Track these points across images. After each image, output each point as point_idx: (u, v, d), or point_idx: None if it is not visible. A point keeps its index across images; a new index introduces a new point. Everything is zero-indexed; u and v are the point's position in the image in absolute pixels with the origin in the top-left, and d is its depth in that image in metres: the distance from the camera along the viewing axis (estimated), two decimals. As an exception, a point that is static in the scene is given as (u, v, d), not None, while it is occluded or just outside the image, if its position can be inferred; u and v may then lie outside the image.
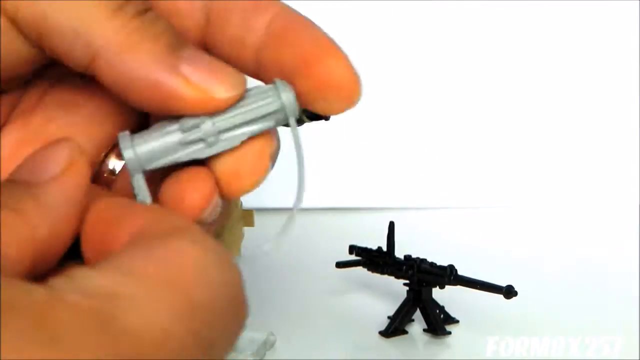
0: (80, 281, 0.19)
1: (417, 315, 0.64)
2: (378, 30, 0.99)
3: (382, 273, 0.68)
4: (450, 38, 0.99)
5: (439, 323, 0.63)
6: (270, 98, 0.26)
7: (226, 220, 0.28)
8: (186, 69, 0.24)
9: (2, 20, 0.25)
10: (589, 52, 0.99)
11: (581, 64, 1.00)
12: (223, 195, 0.26)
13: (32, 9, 0.24)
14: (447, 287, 0.63)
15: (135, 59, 0.24)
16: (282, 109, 0.26)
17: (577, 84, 1.00)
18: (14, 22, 0.25)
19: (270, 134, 0.27)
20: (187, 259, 0.20)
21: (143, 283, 0.19)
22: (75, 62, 0.25)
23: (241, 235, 0.61)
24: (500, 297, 0.59)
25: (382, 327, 0.64)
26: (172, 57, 0.24)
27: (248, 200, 0.61)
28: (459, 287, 0.62)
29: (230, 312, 0.20)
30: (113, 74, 0.24)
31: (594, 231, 0.91)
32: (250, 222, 0.61)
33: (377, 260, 0.68)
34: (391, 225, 0.68)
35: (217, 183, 0.26)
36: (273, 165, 0.27)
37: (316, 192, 0.95)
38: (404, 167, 1.00)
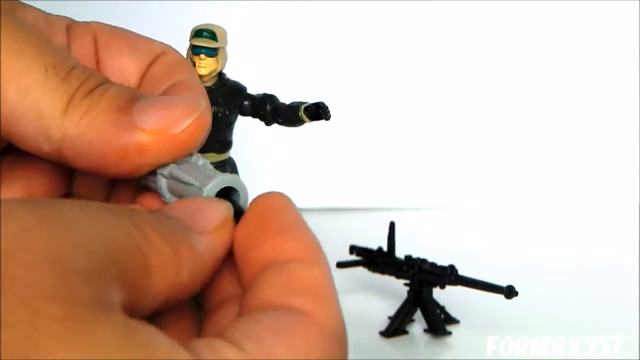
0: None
1: (418, 315, 0.64)
2: (379, 31, 0.99)
3: (383, 273, 0.68)
4: (450, 39, 0.99)
5: (439, 323, 0.63)
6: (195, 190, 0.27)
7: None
8: (139, 120, 0.25)
9: None
10: (589, 54, 1.00)
11: (581, 64, 1.00)
12: None
13: None
14: (447, 287, 0.63)
15: (92, 137, 0.25)
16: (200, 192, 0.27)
17: (577, 85, 1.00)
18: None
19: None
20: (316, 350, 0.22)
21: None
22: (46, 156, 0.26)
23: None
24: (500, 297, 0.59)
25: (383, 327, 0.64)
26: (124, 119, 0.25)
27: (248, 200, 0.61)
28: (459, 287, 0.62)
29: None
30: (81, 158, 0.26)
31: (594, 231, 0.91)
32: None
33: (378, 260, 0.68)
34: (392, 226, 0.68)
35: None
36: None
37: (316, 192, 0.95)
38: (404, 167, 1.00)
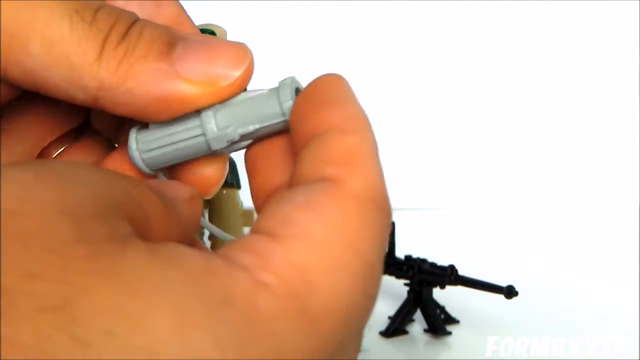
0: (272, 260, 0.19)
1: (418, 315, 0.64)
2: (379, 32, 0.99)
3: (383, 273, 0.67)
4: (450, 40, 0.99)
5: (439, 323, 0.63)
6: (271, 101, 0.25)
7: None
8: (183, 69, 0.24)
9: None
10: (589, 54, 1.00)
11: (581, 65, 1.00)
12: None
13: (20, 69, 0.24)
14: (447, 287, 0.63)
15: (132, 86, 0.24)
16: (283, 119, 0.26)
17: (577, 85, 1.00)
18: (8, 78, 0.25)
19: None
20: (353, 221, 0.20)
21: (325, 254, 0.19)
22: (81, 103, 0.25)
23: (242, 235, 0.61)
24: (500, 297, 0.59)
25: (383, 327, 0.64)
26: (165, 66, 0.24)
27: (248, 201, 0.61)
28: (459, 287, 0.62)
29: (383, 255, 0.21)
30: (120, 106, 0.24)
31: (594, 231, 0.91)
32: (250, 222, 0.61)
33: (378, 260, 0.68)
34: (392, 226, 0.68)
35: (179, 178, 0.27)
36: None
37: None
38: (404, 167, 1.00)
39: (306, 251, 0.19)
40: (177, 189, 0.24)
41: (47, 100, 0.26)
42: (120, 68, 0.24)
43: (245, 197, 0.61)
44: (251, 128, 0.25)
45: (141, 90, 0.24)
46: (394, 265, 0.66)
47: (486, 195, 1.00)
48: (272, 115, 0.25)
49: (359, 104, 0.24)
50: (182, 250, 0.18)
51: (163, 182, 0.25)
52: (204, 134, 0.25)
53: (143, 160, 0.26)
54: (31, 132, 0.28)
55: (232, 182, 0.60)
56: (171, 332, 0.16)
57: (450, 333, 0.64)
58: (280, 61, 0.97)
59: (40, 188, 0.19)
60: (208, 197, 0.28)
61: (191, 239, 0.25)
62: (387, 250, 0.68)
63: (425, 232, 0.88)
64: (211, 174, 0.28)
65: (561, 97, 1.01)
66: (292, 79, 0.26)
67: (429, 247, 0.72)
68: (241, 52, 0.25)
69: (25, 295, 0.16)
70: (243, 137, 0.25)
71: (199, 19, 0.60)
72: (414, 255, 0.65)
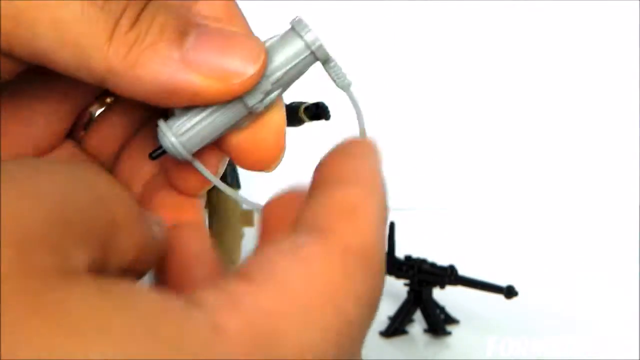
0: (241, 301, 0.17)
1: (418, 315, 0.64)
2: (379, 31, 0.99)
3: (382, 274, 0.67)
4: (450, 40, 0.99)
5: (439, 323, 0.63)
6: (291, 40, 0.25)
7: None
8: (195, 60, 0.23)
9: None
10: (590, 54, 1.00)
11: (581, 65, 1.00)
12: (242, 167, 0.26)
13: (27, 49, 0.23)
14: (447, 287, 0.63)
15: (140, 73, 0.23)
16: (309, 52, 0.25)
17: (577, 85, 1.00)
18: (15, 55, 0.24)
19: (280, 110, 0.26)
20: (336, 273, 0.19)
21: (299, 302, 0.18)
22: (87, 82, 0.24)
23: (241, 235, 0.61)
24: (500, 297, 0.59)
25: (383, 328, 0.64)
26: (176, 55, 0.23)
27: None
28: (459, 287, 0.62)
29: (370, 317, 0.20)
30: (127, 92, 0.23)
31: (594, 231, 0.91)
32: (250, 222, 0.61)
33: (378, 260, 0.68)
34: (392, 226, 0.68)
35: (234, 158, 0.26)
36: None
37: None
38: (404, 167, 1.00)
39: (280, 297, 0.18)
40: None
41: None
42: (130, 54, 0.23)
43: (245, 197, 0.61)
44: (280, 72, 0.25)
45: (149, 79, 0.23)
46: (394, 265, 0.66)
47: (486, 195, 1.00)
48: (297, 52, 0.25)
49: (379, 167, 0.23)
50: (136, 290, 0.17)
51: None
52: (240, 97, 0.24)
53: (182, 144, 0.25)
54: (67, 93, 0.28)
55: (232, 182, 0.60)
56: None
57: (450, 333, 0.64)
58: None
59: None
60: (271, 171, 0.26)
61: (196, 218, 0.25)
62: (387, 249, 0.68)
63: (425, 232, 0.88)
64: (270, 139, 0.26)
65: (561, 97, 1.01)
66: (300, 17, 0.26)
67: (429, 247, 0.72)
68: (255, 47, 0.24)
69: None
70: (275, 85, 0.25)
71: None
72: (414, 255, 0.65)
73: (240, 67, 0.23)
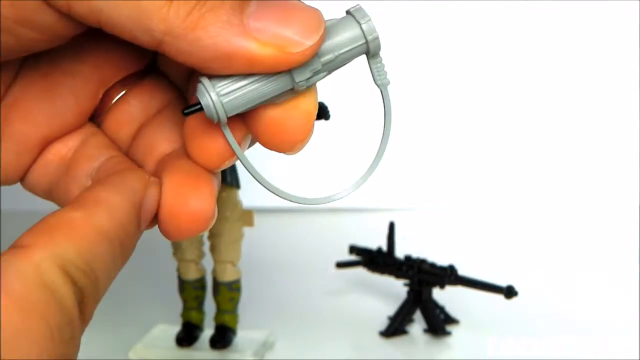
0: None
1: (418, 315, 0.64)
2: (380, 32, 0.99)
3: (382, 273, 0.68)
4: (449, 39, 0.99)
5: (439, 323, 0.63)
6: (349, 25, 0.25)
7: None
8: (255, 28, 0.23)
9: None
10: (590, 54, 0.99)
11: (581, 65, 1.00)
12: (265, 146, 0.26)
13: (88, 7, 0.23)
14: (447, 287, 0.63)
15: (200, 36, 0.23)
16: (364, 41, 0.26)
17: (577, 85, 1.00)
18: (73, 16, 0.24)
19: (314, 95, 0.26)
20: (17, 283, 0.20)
21: None
22: (143, 45, 0.24)
23: (241, 235, 0.61)
24: (500, 297, 0.59)
25: (383, 328, 0.64)
26: (237, 21, 0.23)
27: (248, 201, 0.61)
28: (459, 287, 0.62)
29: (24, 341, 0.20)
30: (183, 55, 0.23)
31: (594, 231, 0.91)
32: (250, 222, 0.61)
33: (377, 260, 0.68)
34: (391, 226, 0.68)
35: (260, 134, 0.26)
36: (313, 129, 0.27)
37: (316, 193, 0.95)
38: (403, 167, 1.00)
39: None
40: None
41: (113, 40, 0.25)
42: (191, 16, 0.23)
43: (245, 197, 0.61)
44: (332, 55, 0.25)
45: (208, 42, 0.23)
46: (394, 265, 0.66)
47: (486, 195, 1.00)
48: (353, 37, 0.25)
49: (119, 201, 0.24)
50: None
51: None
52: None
53: (223, 104, 0.24)
54: (95, 73, 0.28)
55: (231, 182, 0.60)
56: None
57: (450, 333, 0.63)
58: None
59: None
60: (293, 153, 0.26)
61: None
62: (387, 249, 0.68)
63: (425, 232, 0.88)
64: (300, 121, 0.26)
65: (561, 97, 1.01)
66: (360, 6, 0.26)
67: (429, 247, 0.72)
68: (315, 19, 0.24)
69: None
70: (324, 67, 0.25)
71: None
72: (414, 255, 0.65)
73: (299, 37, 0.24)
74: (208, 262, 0.62)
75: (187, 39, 0.23)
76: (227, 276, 0.60)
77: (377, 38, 0.26)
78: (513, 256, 0.81)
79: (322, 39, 0.24)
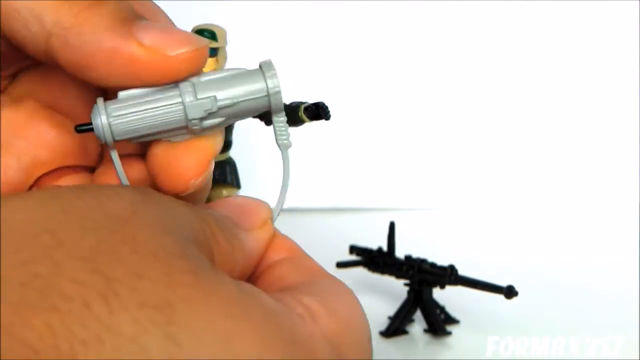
0: (319, 319, 0.23)
1: (418, 315, 0.64)
2: (379, 31, 0.99)
3: (383, 273, 0.68)
4: (450, 39, 0.99)
5: (439, 323, 0.63)
6: (254, 77, 0.26)
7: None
8: (138, 34, 0.25)
9: None
10: (590, 54, 1.00)
11: (581, 64, 1.00)
12: (160, 185, 0.26)
13: None
14: (447, 287, 0.63)
15: (87, 31, 0.24)
16: (265, 94, 0.26)
17: (577, 85, 1.00)
18: None
19: (213, 141, 0.27)
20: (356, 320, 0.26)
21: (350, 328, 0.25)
22: (33, 43, 0.25)
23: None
24: (500, 297, 0.59)
25: (383, 328, 0.64)
26: (123, 27, 0.25)
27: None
28: (459, 287, 0.62)
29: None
30: (68, 51, 0.24)
31: (594, 231, 0.91)
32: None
33: (378, 260, 0.68)
34: (392, 226, 0.68)
35: (152, 171, 0.26)
36: (212, 167, 0.27)
37: (316, 192, 0.95)
38: (404, 167, 1.00)
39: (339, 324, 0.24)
40: (250, 215, 0.26)
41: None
42: (81, 14, 0.24)
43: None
44: (230, 101, 0.25)
45: (93, 38, 0.24)
46: (394, 265, 0.66)
47: (486, 195, 1.00)
48: (256, 89, 0.26)
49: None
50: (257, 290, 0.21)
51: (236, 207, 0.26)
52: (181, 102, 0.25)
53: (110, 125, 0.25)
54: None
55: (232, 182, 0.60)
56: (254, 357, 0.19)
57: (450, 333, 0.63)
58: (281, 61, 0.97)
59: (147, 209, 0.21)
60: (186, 193, 0.26)
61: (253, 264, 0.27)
62: (387, 249, 0.68)
63: (425, 232, 0.88)
64: (192, 162, 0.26)
65: (561, 97, 1.01)
66: (271, 61, 0.26)
67: (429, 247, 0.72)
68: (197, 38, 0.25)
69: (130, 290, 0.18)
70: (221, 110, 0.25)
71: (199, 19, 0.60)
72: (414, 255, 0.65)
73: (177, 44, 0.25)
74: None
75: (74, 32, 0.24)
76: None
77: (279, 92, 0.26)
78: (513, 256, 0.81)
79: (204, 54, 0.25)
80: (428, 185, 1.00)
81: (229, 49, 0.59)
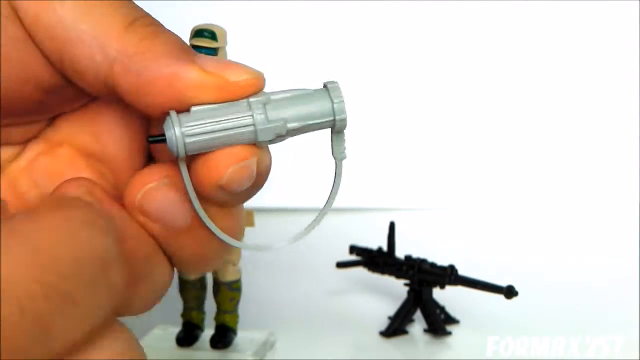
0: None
1: (418, 315, 0.64)
2: (379, 31, 0.99)
3: (383, 273, 0.68)
4: (450, 39, 0.99)
5: (439, 323, 0.63)
6: (321, 100, 0.27)
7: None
8: (199, 61, 0.25)
9: (19, 30, 0.25)
10: (590, 54, 0.99)
11: (581, 65, 1.00)
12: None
13: (52, 16, 0.25)
14: (447, 287, 0.63)
15: (149, 57, 0.25)
16: (332, 118, 0.27)
17: (577, 85, 1.00)
18: (33, 31, 0.25)
19: (259, 149, 0.27)
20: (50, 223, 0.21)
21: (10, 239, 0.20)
22: (94, 70, 0.25)
23: (241, 236, 0.61)
24: (500, 297, 0.59)
25: (383, 327, 0.64)
26: (184, 54, 0.25)
27: (248, 200, 0.61)
28: (459, 287, 0.62)
29: (90, 271, 0.21)
30: (130, 76, 0.25)
31: (594, 231, 0.91)
32: (250, 222, 0.61)
33: (378, 260, 0.68)
34: (392, 226, 0.68)
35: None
36: (253, 179, 0.27)
37: (316, 192, 0.95)
38: (404, 167, 1.00)
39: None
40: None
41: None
42: (144, 42, 0.25)
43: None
44: (298, 124, 0.26)
45: (155, 63, 0.25)
46: (394, 265, 0.66)
47: (486, 195, 1.00)
48: (323, 113, 0.27)
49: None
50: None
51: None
52: (254, 124, 0.25)
53: (185, 144, 0.25)
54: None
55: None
56: None
57: (450, 333, 0.63)
58: (281, 61, 0.97)
59: None
60: (220, 186, 0.26)
61: None
62: (387, 249, 0.68)
63: (425, 232, 0.88)
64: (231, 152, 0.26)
65: (561, 97, 1.01)
66: (338, 84, 0.27)
67: (429, 247, 0.72)
68: (254, 70, 0.26)
69: None
70: (289, 133, 0.26)
71: (199, 19, 0.60)
72: (414, 255, 0.65)
73: (240, 72, 0.25)
74: (208, 262, 0.62)
75: (137, 59, 0.25)
76: (228, 276, 0.60)
77: (344, 119, 0.27)
78: (513, 256, 0.81)
79: (263, 85, 0.26)
80: (428, 185, 1.00)
81: (229, 49, 0.59)
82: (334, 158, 0.29)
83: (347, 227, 0.88)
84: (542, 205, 0.98)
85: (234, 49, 0.60)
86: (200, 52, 0.60)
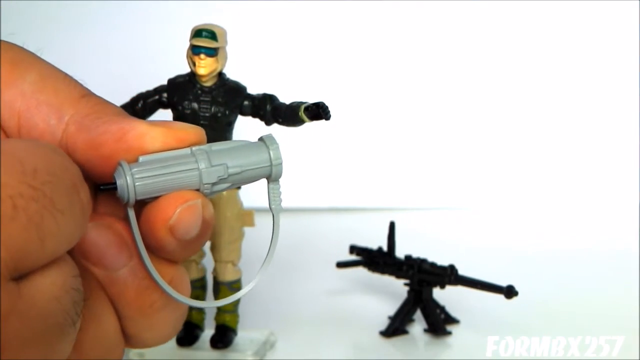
0: None
1: (418, 315, 0.64)
2: (379, 31, 0.99)
3: (383, 273, 0.68)
4: (450, 40, 0.99)
5: (439, 323, 0.63)
6: (259, 148, 0.29)
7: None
8: (144, 120, 0.29)
9: None
10: (589, 54, 1.00)
11: (581, 65, 1.00)
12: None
13: (14, 91, 0.29)
14: (447, 287, 0.63)
15: (102, 116, 0.28)
16: (269, 164, 0.29)
17: (577, 85, 1.00)
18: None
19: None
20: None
21: None
22: (50, 134, 0.29)
23: (241, 235, 0.61)
24: (500, 297, 0.59)
25: (383, 327, 0.64)
26: (132, 117, 0.29)
27: (248, 201, 0.61)
28: (459, 287, 0.62)
29: (66, 184, 0.25)
30: (85, 133, 0.28)
31: (594, 231, 0.91)
32: (250, 222, 0.61)
33: (378, 260, 0.68)
34: (392, 226, 0.68)
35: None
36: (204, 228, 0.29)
37: (316, 192, 0.95)
38: (404, 167, 1.00)
39: None
40: None
41: None
42: (96, 106, 0.29)
43: (245, 197, 0.61)
44: (239, 169, 0.29)
45: (107, 119, 0.28)
46: (394, 265, 0.66)
47: (486, 195, 1.00)
48: (260, 160, 0.29)
49: None
50: None
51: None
52: (197, 168, 0.28)
53: (135, 186, 0.27)
54: None
55: (232, 182, 0.60)
56: None
57: (450, 333, 0.64)
58: (281, 61, 0.97)
59: None
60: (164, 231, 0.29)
61: None
62: (387, 249, 0.68)
63: (425, 232, 0.88)
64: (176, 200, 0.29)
65: (561, 97, 1.01)
66: (272, 135, 0.30)
67: (429, 247, 0.72)
68: (194, 127, 0.29)
69: None
70: (230, 177, 0.29)
71: (199, 19, 0.60)
72: (414, 255, 0.65)
73: (183, 126, 0.29)
74: (209, 262, 0.62)
75: (90, 118, 0.29)
76: (228, 276, 0.60)
77: (280, 164, 0.30)
78: (513, 256, 0.81)
79: (204, 139, 0.29)
80: (428, 185, 1.00)
81: (229, 49, 0.59)
82: (271, 210, 0.31)
83: (347, 227, 0.88)
84: (542, 206, 0.98)
85: (234, 49, 0.60)
86: (201, 52, 0.60)
